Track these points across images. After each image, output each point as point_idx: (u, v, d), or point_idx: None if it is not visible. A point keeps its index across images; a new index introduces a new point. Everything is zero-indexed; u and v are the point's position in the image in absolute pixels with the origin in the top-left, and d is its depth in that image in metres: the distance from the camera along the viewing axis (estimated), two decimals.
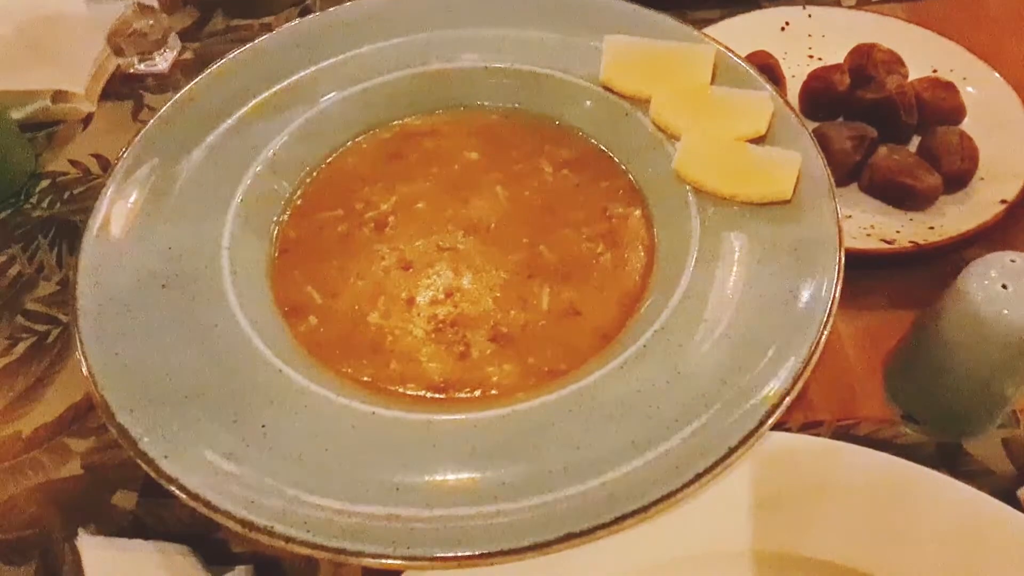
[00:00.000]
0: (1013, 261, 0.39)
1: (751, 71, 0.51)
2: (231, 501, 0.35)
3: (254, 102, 0.52)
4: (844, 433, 0.45)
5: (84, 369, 0.39)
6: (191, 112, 0.52)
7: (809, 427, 0.46)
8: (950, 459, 0.44)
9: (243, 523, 0.34)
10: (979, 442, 0.45)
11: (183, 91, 0.52)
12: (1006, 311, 0.38)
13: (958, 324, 0.41)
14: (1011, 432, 0.45)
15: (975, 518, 0.39)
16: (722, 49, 0.52)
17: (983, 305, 0.39)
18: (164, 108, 0.52)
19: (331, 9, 0.58)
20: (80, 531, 0.42)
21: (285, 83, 0.53)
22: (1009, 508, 0.39)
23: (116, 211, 0.46)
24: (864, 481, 0.40)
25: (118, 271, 0.44)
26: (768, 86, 0.50)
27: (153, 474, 0.36)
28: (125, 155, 0.48)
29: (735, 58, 0.52)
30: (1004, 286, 0.39)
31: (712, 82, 0.51)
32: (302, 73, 0.54)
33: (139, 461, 0.36)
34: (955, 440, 0.45)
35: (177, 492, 0.35)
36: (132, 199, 0.47)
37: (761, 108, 0.48)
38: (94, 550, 0.40)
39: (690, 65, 0.51)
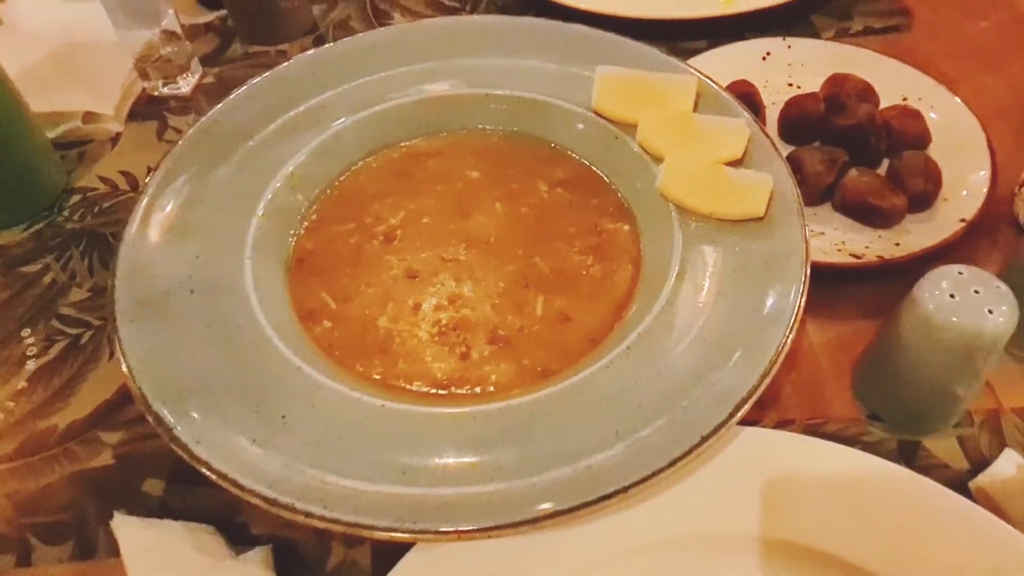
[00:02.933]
0: (961, 273, 0.44)
1: (730, 99, 0.56)
2: (256, 481, 0.39)
3: (274, 125, 0.57)
4: (814, 431, 0.49)
5: (123, 366, 0.43)
6: (216, 133, 0.56)
7: (782, 425, 0.50)
8: (909, 454, 0.48)
9: (267, 500, 0.38)
10: (936, 439, 0.49)
11: (209, 113, 0.57)
12: (955, 318, 0.42)
13: (914, 330, 0.45)
14: (965, 430, 0.49)
15: (931, 507, 0.43)
16: (704, 79, 0.57)
17: (934, 313, 0.43)
18: (191, 130, 0.56)
19: (345, 39, 0.62)
20: (115, 513, 0.45)
21: (302, 107, 0.58)
22: (962, 498, 0.43)
23: (149, 223, 0.51)
24: (831, 472, 0.44)
25: (151, 277, 0.48)
26: (745, 113, 0.54)
27: (186, 457, 0.40)
28: (157, 171, 0.53)
29: (716, 87, 0.56)
30: (952, 295, 0.43)
31: (695, 109, 0.56)
32: (318, 98, 0.58)
33: (173, 446, 0.40)
34: (915, 437, 0.49)
35: (208, 474, 0.39)
36: (163, 212, 0.51)
37: (738, 134, 0.52)
38: (129, 529, 0.44)
39: (674, 94, 0.56)
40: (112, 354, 0.56)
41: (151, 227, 0.50)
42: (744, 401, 0.40)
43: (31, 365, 0.56)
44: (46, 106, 0.69)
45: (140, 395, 0.42)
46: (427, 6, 0.85)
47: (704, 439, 0.39)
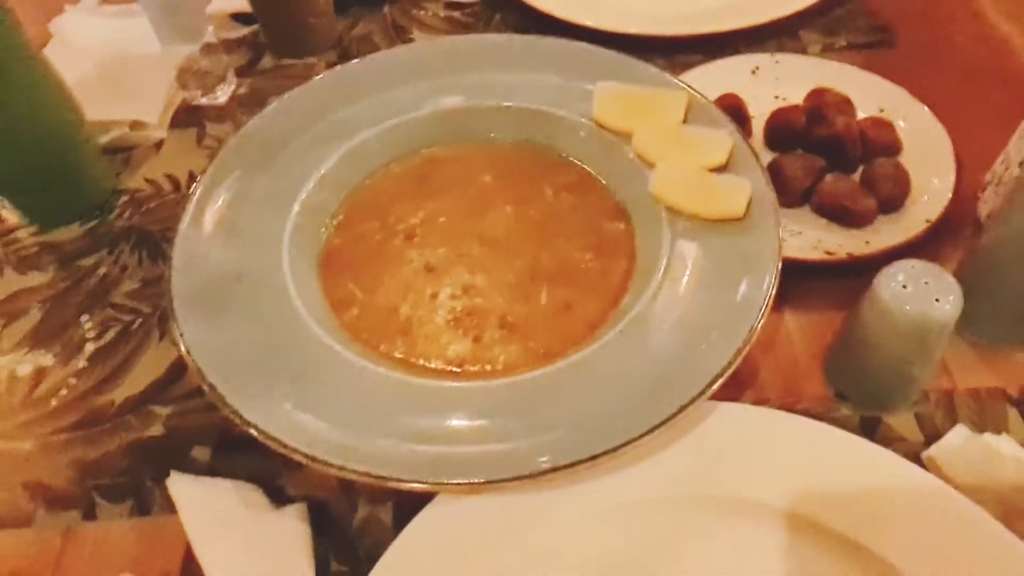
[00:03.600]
0: (914, 267, 0.49)
1: (716, 111, 0.62)
2: (298, 440, 0.45)
3: (306, 134, 0.63)
4: (787, 408, 0.55)
5: (181, 345, 0.50)
6: (255, 140, 0.63)
7: (759, 403, 0.56)
8: (871, 429, 0.54)
9: (307, 456, 0.44)
10: (896, 416, 0.54)
11: (249, 123, 0.63)
12: (907, 306, 0.48)
13: (873, 318, 0.50)
14: (921, 408, 0.55)
15: (887, 475, 0.49)
16: (694, 93, 0.63)
17: (890, 301, 0.49)
18: (233, 138, 0.63)
19: (369, 56, 0.69)
20: (172, 472, 0.52)
21: (331, 118, 0.64)
22: (914, 466, 0.48)
23: (198, 220, 0.57)
24: (800, 441, 0.50)
25: (202, 268, 0.54)
26: (730, 124, 0.60)
27: (238, 421, 0.46)
28: (204, 175, 0.60)
29: (704, 100, 0.62)
30: (905, 287, 0.49)
31: (685, 120, 0.62)
32: (345, 110, 0.65)
33: (226, 411, 0.47)
34: (877, 414, 0.55)
35: (257, 435, 0.46)
36: (212, 211, 0.58)
37: (722, 143, 0.58)
38: (183, 485, 0.51)
39: (666, 106, 0.62)
40: (161, 337, 0.62)
41: (200, 225, 0.57)
42: (719, 376, 0.47)
43: (90, 347, 0.62)
44: (97, 115, 0.76)
45: (196, 368, 0.49)
46: (443, 22, 0.91)
47: (682, 408, 0.45)
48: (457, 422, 0.47)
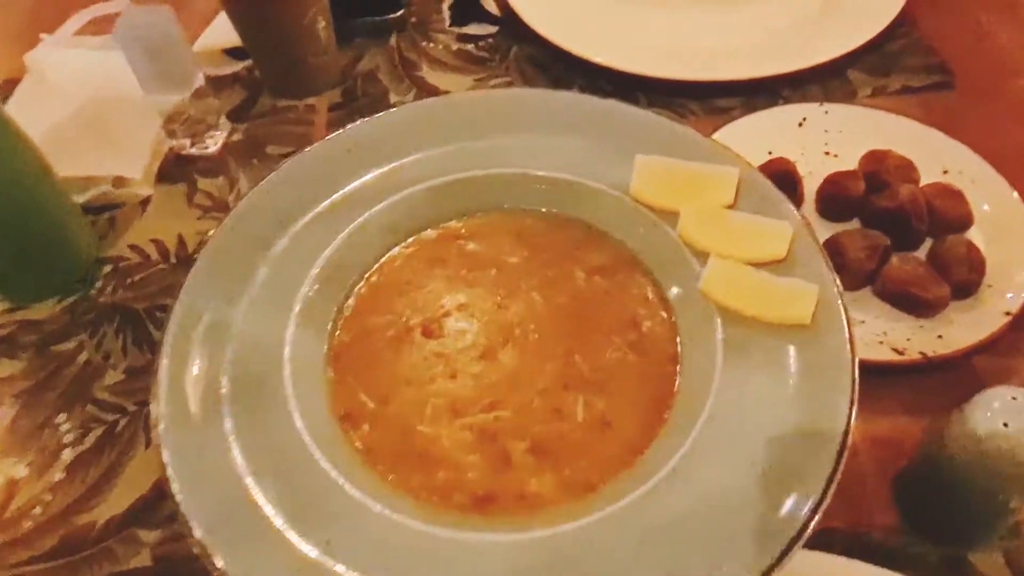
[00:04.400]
0: (1015, 399, 0.43)
1: (772, 189, 0.54)
2: None
3: (308, 214, 0.56)
4: (857, 541, 0.49)
5: (173, 493, 0.43)
6: (249, 222, 0.55)
7: (825, 534, 0.49)
8: (954, 569, 0.48)
9: None
10: (982, 554, 0.48)
11: (239, 204, 0.56)
12: (1004, 446, 0.42)
13: (963, 453, 0.44)
14: (1011, 543, 0.48)
15: None
16: (747, 167, 0.55)
17: (986, 441, 0.42)
18: (224, 222, 0.55)
19: (377, 115, 0.62)
20: None
21: (336, 195, 0.57)
22: None
23: (186, 335, 0.50)
24: None
25: (192, 388, 0.47)
26: (790, 208, 0.53)
27: None
28: (190, 274, 0.51)
29: (759, 177, 0.55)
30: (1005, 424, 0.42)
31: (736, 197, 0.55)
32: (352, 184, 0.58)
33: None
34: (959, 552, 0.48)
35: None
36: (199, 317, 0.50)
37: (782, 234, 0.51)
38: None
39: (715, 185, 0.55)
40: (148, 443, 0.56)
41: (189, 341, 0.50)
42: (799, 536, 0.40)
43: (67, 455, 0.56)
44: (73, 170, 0.69)
45: (184, 519, 0.42)
46: (454, 56, 0.84)
47: (770, 568, 0.39)
48: None
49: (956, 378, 0.54)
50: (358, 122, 0.61)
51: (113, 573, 0.50)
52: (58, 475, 0.55)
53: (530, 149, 0.60)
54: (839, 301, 0.48)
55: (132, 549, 0.51)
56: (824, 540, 0.49)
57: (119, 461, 0.55)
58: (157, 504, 0.53)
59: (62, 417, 0.58)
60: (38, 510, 0.53)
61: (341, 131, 0.61)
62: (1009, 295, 0.56)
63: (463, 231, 0.59)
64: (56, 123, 0.72)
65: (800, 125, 0.70)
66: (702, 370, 0.49)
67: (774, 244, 0.51)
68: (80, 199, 0.69)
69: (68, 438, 0.56)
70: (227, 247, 0.54)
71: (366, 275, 0.57)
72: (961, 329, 0.55)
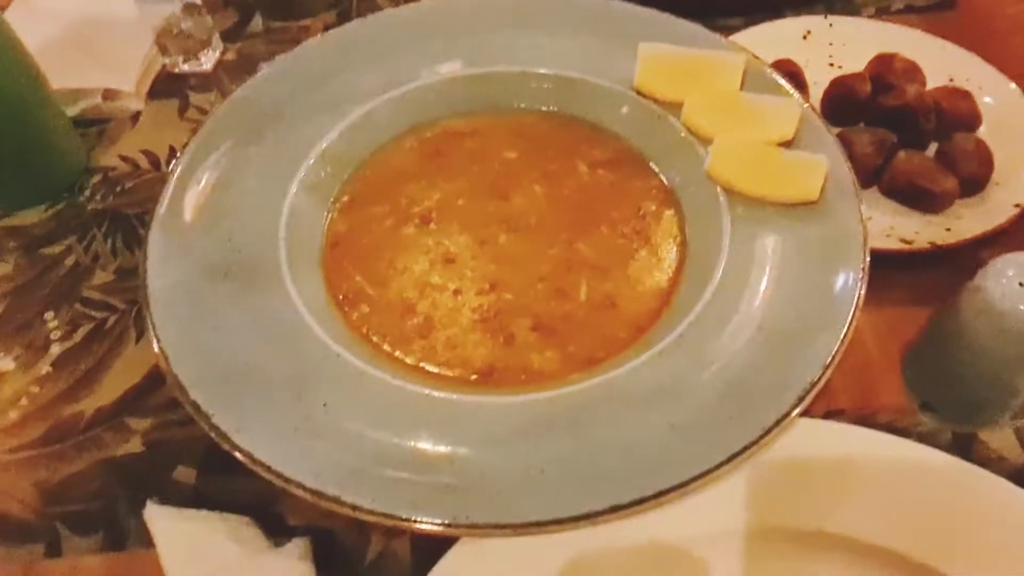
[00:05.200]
0: None
1: (779, 78, 0.54)
2: (301, 472, 0.37)
3: (305, 102, 0.55)
4: (865, 420, 0.48)
5: (156, 349, 0.42)
6: (245, 110, 0.54)
7: (832, 415, 0.48)
8: (965, 447, 0.47)
9: (313, 492, 0.37)
10: (993, 431, 0.47)
11: (238, 90, 0.55)
12: (1022, 306, 0.41)
13: (975, 319, 0.43)
14: (1021, 422, 0.47)
15: (989, 499, 0.42)
16: (752, 57, 0.54)
17: (999, 301, 0.41)
18: (220, 106, 0.54)
19: (376, 14, 0.60)
20: (148, 502, 0.44)
21: (333, 84, 0.56)
22: (1020, 490, 0.41)
23: (178, 204, 0.49)
24: (884, 464, 0.43)
25: (183, 261, 0.46)
26: (794, 91, 0.52)
27: (227, 447, 0.38)
28: (186, 150, 0.51)
29: (764, 66, 0.54)
30: (1021, 284, 0.41)
31: (741, 88, 0.54)
32: (349, 75, 0.56)
33: (213, 435, 0.39)
34: (970, 430, 0.47)
35: (250, 464, 0.38)
36: (194, 192, 0.49)
37: (789, 113, 0.50)
38: (162, 520, 0.43)
39: (721, 72, 0.54)
40: (139, 338, 0.54)
41: (181, 209, 0.49)
42: (806, 393, 0.39)
43: (55, 349, 0.54)
44: (65, 83, 0.67)
45: (176, 382, 0.41)
46: None
47: (766, 431, 0.38)
48: (493, 450, 0.39)
49: (962, 270, 0.53)
50: (355, 21, 0.60)
51: (103, 459, 0.49)
52: (45, 368, 0.53)
53: (531, 47, 0.58)
54: (849, 176, 0.47)
55: (122, 436, 0.50)
56: (833, 420, 0.47)
57: (108, 356, 0.54)
58: (149, 393, 0.51)
59: (50, 315, 0.56)
60: (25, 401, 0.51)
61: (338, 29, 0.60)
62: (1018, 185, 0.55)
63: (462, 128, 0.58)
64: (48, 35, 0.71)
65: (804, 38, 0.69)
66: (709, 253, 0.48)
67: (781, 125, 0.50)
68: (71, 112, 0.67)
69: (56, 334, 0.55)
70: (221, 132, 0.53)
71: (364, 166, 0.55)
72: (969, 222, 0.54)
